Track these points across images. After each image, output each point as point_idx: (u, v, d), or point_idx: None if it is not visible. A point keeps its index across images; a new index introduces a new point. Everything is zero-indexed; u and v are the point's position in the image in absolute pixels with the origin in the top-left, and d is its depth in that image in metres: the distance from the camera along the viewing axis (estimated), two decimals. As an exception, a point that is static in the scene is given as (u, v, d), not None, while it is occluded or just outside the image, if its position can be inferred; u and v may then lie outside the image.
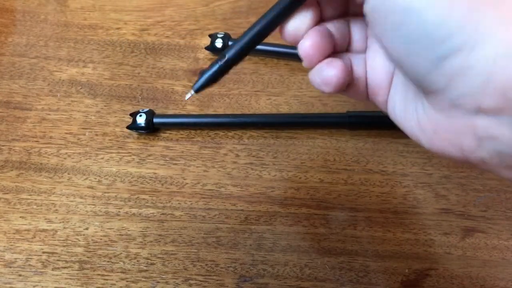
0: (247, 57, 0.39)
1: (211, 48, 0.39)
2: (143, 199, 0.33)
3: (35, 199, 0.33)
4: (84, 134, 0.36)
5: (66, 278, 0.30)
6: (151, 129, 0.35)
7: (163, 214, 0.32)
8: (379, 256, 0.31)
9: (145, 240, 0.31)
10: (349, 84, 0.24)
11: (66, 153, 0.35)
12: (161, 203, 0.33)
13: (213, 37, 0.39)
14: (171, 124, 0.36)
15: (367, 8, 0.20)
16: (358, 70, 0.24)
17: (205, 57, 0.40)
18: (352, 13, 0.24)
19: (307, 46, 0.23)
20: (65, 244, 0.31)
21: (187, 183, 0.33)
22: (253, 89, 0.38)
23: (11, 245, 0.31)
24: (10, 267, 0.30)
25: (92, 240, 0.31)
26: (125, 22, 0.42)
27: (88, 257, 0.31)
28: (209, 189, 0.33)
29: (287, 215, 0.32)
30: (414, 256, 0.31)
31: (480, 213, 0.32)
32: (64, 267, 0.30)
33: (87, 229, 0.32)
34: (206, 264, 0.30)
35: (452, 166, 0.34)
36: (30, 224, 0.32)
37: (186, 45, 0.40)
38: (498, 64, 0.16)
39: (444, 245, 0.31)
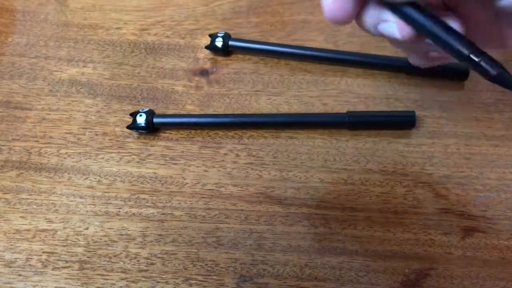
0: (247, 56, 0.39)
1: (211, 47, 0.39)
2: (143, 199, 0.33)
3: (35, 199, 0.33)
4: (84, 134, 0.36)
5: (66, 278, 0.30)
6: (151, 129, 0.35)
7: (163, 214, 0.32)
8: (379, 256, 0.31)
9: (145, 240, 0.31)
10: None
11: (66, 153, 0.35)
12: (161, 203, 0.33)
13: (213, 36, 0.39)
14: (171, 124, 0.36)
15: None
16: None
17: (205, 57, 0.40)
18: None
19: None
20: (65, 244, 0.31)
21: (187, 183, 0.33)
22: (253, 89, 0.38)
23: (11, 245, 0.31)
24: (10, 267, 0.30)
25: (92, 240, 0.31)
26: (125, 22, 0.42)
27: (88, 257, 0.31)
28: (209, 189, 0.33)
29: (287, 215, 0.32)
30: (414, 256, 0.31)
31: (480, 213, 0.32)
32: (64, 267, 0.30)
33: (87, 229, 0.32)
34: (206, 264, 0.30)
35: (452, 166, 0.34)
36: (30, 224, 0.32)
37: (186, 45, 0.40)
38: None
39: (444, 245, 0.31)
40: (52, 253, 0.31)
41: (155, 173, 0.34)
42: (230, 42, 0.39)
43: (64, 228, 0.32)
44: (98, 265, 0.30)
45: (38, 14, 0.43)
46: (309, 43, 0.40)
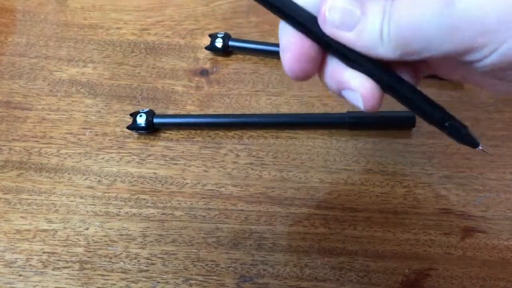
0: (247, 57, 0.39)
1: (211, 47, 0.39)
2: (143, 199, 0.33)
3: (36, 199, 0.33)
4: (84, 134, 0.36)
5: (66, 278, 0.30)
6: (151, 129, 0.35)
7: (163, 214, 0.32)
8: (379, 256, 0.31)
9: (145, 240, 0.31)
10: None
11: (66, 153, 0.35)
12: (161, 203, 0.33)
13: (213, 37, 0.39)
14: (171, 124, 0.36)
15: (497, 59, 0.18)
16: None
17: (205, 57, 0.40)
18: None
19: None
20: (65, 244, 0.31)
21: (187, 183, 0.33)
22: (253, 89, 0.38)
23: (12, 245, 0.31)
24: (11, 267, 0.30)
25: (92, 240, 0.31)
26: (125, 22, 0.42)
27: (88, 257, 0.31)
28: (209, 189, 0.33)
29: (287, 215, 0.32)
30: (414, 256, 0.31)
31: (480, 213, 0.32)
32: (65, 267, 0.30)
33: (87, 229, 0.32)
34: (206, 264, 0.31)
35: (452, 166, 0.34)
36: (31, 224, 0.32)
37: (186, 45, 0.40)
38: None
39: (444, 245, 0.31)
40: (53, 253, 0.31)
41: (155, 173, 0.34)
42: (230, 42, 0.39)
43: (65, 228, 0.32)
44: (98, 265, 0.30)
45: (38, 14, 0.43)
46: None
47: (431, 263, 0.30)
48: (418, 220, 0.32)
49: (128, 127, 0.35)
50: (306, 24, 0.21)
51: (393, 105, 0.36)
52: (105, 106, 0.37)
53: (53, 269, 0.30)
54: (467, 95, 0.36)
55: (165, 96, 0.38)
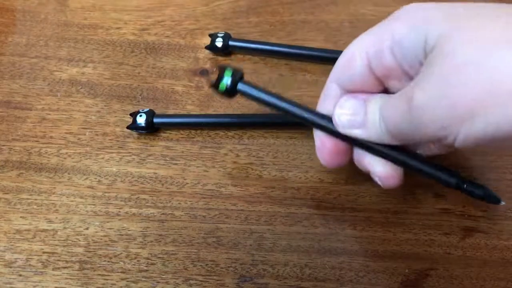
0: (247, 56, 0.39)
1: (211, 47, 0.39)
2: (144, 199, 0.33)
3: (36, 199, 0.33)
4: (84, 134, 0.36)
5: (66, 278, 0.30)
6: (151, 129, 0.35)
7: (163, 214, 0.32)
8: (379, 256, 0.31)
9: (145, 240, 0.31)
10: None
11: (66, 153, 0.35)
12: (161, 203, 0.33)
13: (213, 36, 0.39)
14: (171, 124, 0.36)
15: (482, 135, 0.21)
16: None
17: (205, 56, 0.40)
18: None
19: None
20: (65, 244, 0.31)
21: (187, 183, 0.33)
22: (253, 89, 0.38)
23: (12, 245, 0.31)
24: (11, 267, 0.30)
25: (92, 240, 0.31)
26: (125, 21, 0.42)
27: (88, 257, 0.31)
28: (209, 189, 0.33)
29: (287, 215, 0.32)
30: (414, 256, 0.31)
31: (480, 213, 0.32)
32: (65, 267, 0.30)
33: (87, 229, 0.32)
34: (206, 264, 0.31)
35: (452, 166, 0.34)
36: (31, 224, 0.32)
37: (186, 45, 0.40)
38: None
39: (444, 245, 0.31)
40: (52, 253, 0.31)
41: (155, 173, 0.34)
42: (230, 42, 0.39)
43: (64, 228, 0.32)
44: (98, 265, 0.30)
45: (38, 14, 0.43)
46: (309, 43, 0.40)
47: (431, 263, 0.30)
48: (418, 220, 0.32)
49: (128, 127, 0.35)
50: (328, 127, 0.27)
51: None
52: (105, 106, 0.37)
53: (53, 269, 0.30)
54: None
55: (165, 96, 0.38)
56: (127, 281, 0.30)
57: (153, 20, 0.42)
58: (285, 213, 0.32)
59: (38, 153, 0.35)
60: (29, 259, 0.31)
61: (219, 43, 0.39)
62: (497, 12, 0.21)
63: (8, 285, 0.30)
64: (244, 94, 0.29)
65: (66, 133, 0.36)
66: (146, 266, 0.30)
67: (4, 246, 0.31)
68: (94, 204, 0.33)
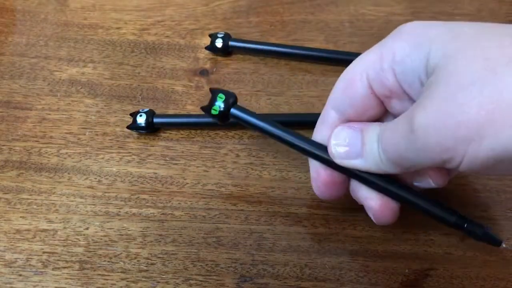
0: (247, 56, 0.39)
1: (211, 47, 0.39)
2: (143, 199, 0.33)
3: (35, 199, 0.33)
4: (84, 134, 0.36)
5: (66, 278, 0.30)
6: (151, 129, 0.35)
7: (163, 214, 0.32)
8: (379, 256, 0.31)
9: (145, 240, 0.31)
10: None
11: (66, 153, 0.35)
12: (161, 203, 0.33)
13: (213, 36, 0.39)
14: (171, 124, 0.36)
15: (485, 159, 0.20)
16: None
17: (205, 56, 0.40)
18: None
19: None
20: (65, 244, 0.31)
21: (187, 183, 0.33)
22: (253, 89, 0.38)
23: (12, 245, 0.31)
24: (11, 267, 0.30)
25: (92, 240, 0.31)
26: (125, 21, 0.42)
27: (88, 257, 0.31)
28: (210, 189, 0.33)
29: (287, 215, 0.32)
30: (414, 256, 0.31)
31: (480, 213, 0.32)
32: (65, 267, 0.30)
33: (87, 229, 0.32)
34: (206, 264, 0.31)
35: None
36: (31, 224, 0.32)
37: (186, 45, 0.40)
38: None
39: (444, 245, 0.31)
40: (52, 253, 0.31)
41: (155, 173, 0.34)
42: (230, 42, 0.39)
43: (64, 228, 0.32)
44: (98, 265, 0.30)
45: (38, 14, 0.43)
46: (309, 43, 0.40)
47: (431, 263, 0.30)
48: (418, 220, 0.32)
49: (128, 127, 0.35)
50: (324, 157, 0.27)
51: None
52: (105, 106, 0.37)
53: (53, 269, 0.30)
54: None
55: (165, 96, 0.38)
56: (127, 281, 0.30)
57: (153, 20, 0.42)
58: (285, 213, 0.32)
59: (38, 153, 0.35)
60: (29, 259, 0.31)
61: (219, 43, 0.39)
62: (501, 31, 0.21)
63: (8, 285, 0.30)
64: (237, 119, 0.29)
65: (66, 133, 0.36)
66: (146, 266, 0.30)
67: (4, 246, 0.31)
68: (94, 204, 0.33)
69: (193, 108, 0.37)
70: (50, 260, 0.31)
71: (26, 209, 0.33)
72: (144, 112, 0.35)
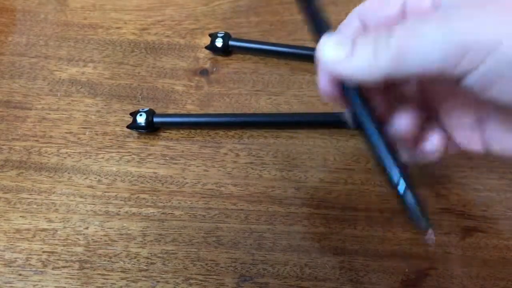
0: (247, 56, 0.39)
1: (211, 47, 0.39)
2: (143, 198, 0.33)
3: (35, 199, 0.33)
4: (84, 134, 0.36)
5: (66, 278, 0.30)
6: (151, 128, 0.35)
7: (163, 213, 0.32)
8: (379, 255, 0.31)
9: (145, 240, 0.31)
10: None
11: (66, 153, 0.35)
12: (161, 202, 0.33)
13: (213, 36, 0.39)
14: (171, 124, 0.36)
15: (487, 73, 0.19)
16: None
17: (205, 56, 0.40)
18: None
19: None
20: (65, 243, 0.31)
21: (187, 183, 0.33)
22: (253, 88, 0.38)
23: (11, 244, 0.31)
24: (10, 267, 0.30)
25: (92, 239, 0.31)
26: (125, 21, 0.42)
27: (88, 257, 0.31)
28: (209, 189, 0.33)
29: (287, 215, 0.32)
30: (414, 256, 0.31)
31: (480, 212, 0.32)
32: (64, 267, 0.30)
33: (87, 228, 0.32)
34: (206, 264, 0.30)
35: (453, 166, 0.34)
36: (30, 223, 0.32)
37: (186, 45, 0.40)
38: None
39: (444, 245, 0.31)
40: (52, 252, 0.31)
41: (155, 172, 0.34)
42: (230, 42, 0.39)
43: (64, 227, 0.32)
44: (98, 264, 0.30)
45: (38, 14, 0.43)
46: (309, 43, 0.40)
47: (431, 262, 0.30)
48: (418, 220, 0.32)
49: (128, 126, 0.35)
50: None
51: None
52: (105, 105, 0.37)
53: (52, 269, 0.30)
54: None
55: (165, 96, 0.38)
56: (127, 281, 0.30)
57: (153, 20, 0.42)
58: (285, 212, 0.32)
59: (38, 152, 0.35)
60: (29, 259, 0.31)
61: (219, 43, 0.39)
62: None
63: (8, 285, 0.30)
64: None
65: (66, 132, 0.36)
66: (146, 266, 0.30)
67: (4, 246, 0.31)
68: (94, 204, 0.33)
69: (193, 107, 0.37)
70: (50, 260, 0.31)
71: (26, 209, 0.33)
72: (144, 112, 0.35)
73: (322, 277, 0.30)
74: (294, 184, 0.33)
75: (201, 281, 0.30)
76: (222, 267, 0.30)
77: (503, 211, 0.32)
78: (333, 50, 0.22)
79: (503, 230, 0.31)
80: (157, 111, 0.36)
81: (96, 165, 0.34)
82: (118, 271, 0.30)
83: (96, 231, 0.32)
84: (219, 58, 0.40)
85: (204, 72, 0.39)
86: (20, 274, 0.30)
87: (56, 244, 0.31)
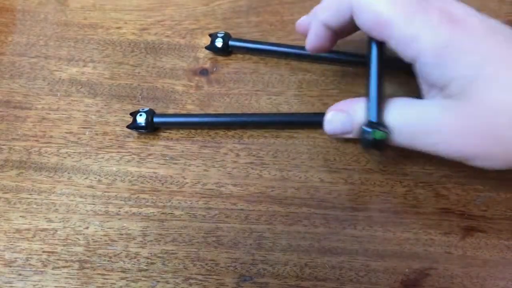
0: (247, 56, 0.39)
1: (211, 47, 0.39)
2: (143, 198, 0.33)
3: (35, 199, 0.33)
4: (84, 134, 0.36)
5: (66, 278, 0.30)
6: (151, 128, 0.35)
7: (163, 213, 0.32)
8: (379, 255, 0.31)
9: (145, 240, 0.31)
10: None
11: (66, 153, 0.35)
12: (161, 202, 0.33)
13: (213, 36, 0.39)
14: (171, 124, 0.36)
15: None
16: None
17: (205, 56, 0.40)
18: None
19: None
20: (65, 243, 0.31)
21: (187, 183, 0.33)
22: (253, 88, 0.38)
23: (11, 244, 0.31)
24: (10, 267, 0.30)
25: (92, 239, 0.31)
26: (125, 21, 0.42)
27: (88, 257, 0.31)
28: (209, 189, 0.33)
29: (287, 215, 0.32)
30: (414, 256, 0.31)
31: (480, 212, 0.32)
32: (64, 267, 0.30)
33: (87, 228, 0.32)
34: (206, 264, 0.30)
35: (453, 166, 0.34)
36: (30, 223, 0.32)
37: (186, 45, 0.40)
38: None
39: (444, 245, 0.31)
40: (52, 252, 0.31)
41: (155, 172, 0.34)
42: (230, 42, 0.39)
43: (64, 227, 0.32)
44: (98, 264, 0.30)
45: (38, 14, 0.43)
46: (309, 42, 0.40)
47: (431, 262, 0.30)
48: (418, 220, 0.32)
49: (128, 126, 0.35)
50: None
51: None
52: (105, 105, 0.37)
53: (52, 269, 0.30)
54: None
55: (165, 96, 0.38)
56: (127, 281, 0.30)
57: (153, 20, 0.42)
58: (285, 212, 0.32)
59: (38, 152, 0.35)
60: (29, 259, 0.31)
61: (219, 43, 0.39)
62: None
63: (8, 285, 0.30)
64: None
65: (66, 132, 0.36)
66: (146, 266, 0.30)
67: (4, 246, 0.31)
68: (94, 204, 0.33)
69: (193, 107, 0.37)
70: (50, 260, 0.31)
71: (26, 209, 0.33)
72: (144, 112, 0.35)
73: (322, 277, 0.30)
74: (294, 184, 0.33)
75: (201, 281, 0.30)
76: (222, 267, 0.30)
77: (503, 211, 0.32)
78: (339, 129, 0.31)
79: (503, 230, 0.31)
80: (157, 111, 0.36)
81: (96, 165, 0.34)
82: (118, 271, 0.30)
83: (96, 231, 0.32)
84: (219, 58, 0.40)
85: (204, 72, 0.39)
86: (20, 274, 0.30)
87: (56, 244, 0.31)
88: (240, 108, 0.37)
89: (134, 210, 0.32)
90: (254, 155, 0.35)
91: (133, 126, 0.35)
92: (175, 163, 0.34)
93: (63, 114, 0.37)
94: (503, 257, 0.30)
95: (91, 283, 0.30)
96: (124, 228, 0.32)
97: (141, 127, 0.35)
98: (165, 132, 0.36)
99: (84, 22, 0.42)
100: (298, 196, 0.33)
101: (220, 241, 0.31)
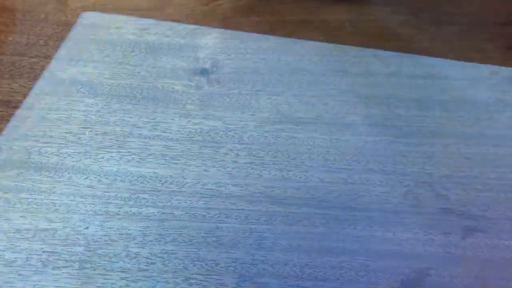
0: (248, 56, 0.39)
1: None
2: (143, 198, 0.33)
3: (35, 199, 0.33)
4: (84, 134, 0.36)
5: (66, 278, 0.30)
6: None
7: (163, 213, 0.32)
8: (379, 255, 0.31)
9: (145, 240, 0.31)
10: None
11: (66, 152, 0.35)
12: (161, 202, 0.33)
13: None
14: None
15: None
16: None
17: (205, 56, 0.40)
18: None
19: None
20: (65, 243, 0.31)
21: (187, 183, 0.33)
22: (253, 88, 0.38)
23: (12, 244, 0.31)
24: (11, 266, 0.30)
25: (92, 239, 0.31)
26: (125, 21, 0.42)
27: (88, 257, 0.31)
28: (209, 189, 0.33)
29: (287, 215, 0.32)
30: (414, 256, 0.31)
31: (480, 212, 0.32)
32: (64, 267, 0.30)
33: (87, 228, 0.32)
34: (206, 264, 0.30)
35: (452, 166, 0.34)
36: (30, 223, 0.32)
37: (186, 45, 0.40)
38: None
39: (444, 245, 0.31)
40: (52, 252, 0.31)
41: (155, 172, 0.34)
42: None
43: (64, 227, 0.32)
44: (98, 264, 0.30)
45: (38, 14, 0.43)
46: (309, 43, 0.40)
47: (431, 262, 0.30)
48: (418, 220, 0.32)
49: None
50: None
51: (394, 105, 0.36)
52: (105, 105, 0.37)
53: (52, 268, 0.30)
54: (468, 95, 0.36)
55: (165, 96, 0.38)
56: (127, 281, 0.30)
57: (153, 20, 0.42)
58: (285, 212, 0.32)
59: (38, 152, 0.35)
60: (29, 258, 0.31)
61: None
62: None
63: (8, 285, 0.30)
64: None
65: (66, 132, 0.36)
66: (146, 266, 0.30)
67: (4, 245, 0.31)
68: (94, 204, 0.33)
69: (193, 107, 0.37)
70: (50, 260, 0.31)
71: (26, 209, 0.33)
72: None
73: (322, 277, 0.30)
74: (294, 184, 0.33)
75: (201, 281, 0.30)
76: (222, 267, 0.30)
77: (503, 211, 0.32)
78: None
79: (503, 230, 0.31)
80: (157, 111, 0.36)
81: (96, 165, 0.34)
82: (118, 271, 0.30)
83: (96, 231, 0.32)
84: (219, 58, 0.40)
85: (204, 72, 0.39)
86: (20, 274, 0.30)
87: (56, 244, 0.31)
88: (240, 108, 0.37)
89: (134, 210, 0.32)
90: (254, 155, 0.35)
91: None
92: (175, 163, 0.34)
93: (63, 114, 0.37)
94: (503, 257, 0.30)
95: (91, 283, 0.30)
96: (124, 228, 0.32)
97: None
98: (165, 132, 0.36)
99: (84, 22, 0.42)
100: (298, 196, 0.33)
101: (220, 241, 0.31)
